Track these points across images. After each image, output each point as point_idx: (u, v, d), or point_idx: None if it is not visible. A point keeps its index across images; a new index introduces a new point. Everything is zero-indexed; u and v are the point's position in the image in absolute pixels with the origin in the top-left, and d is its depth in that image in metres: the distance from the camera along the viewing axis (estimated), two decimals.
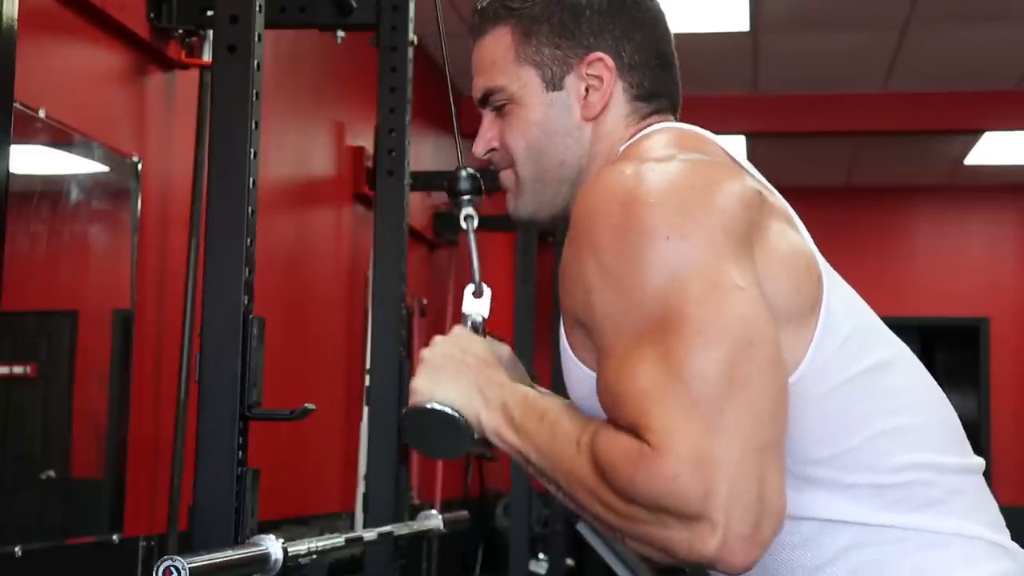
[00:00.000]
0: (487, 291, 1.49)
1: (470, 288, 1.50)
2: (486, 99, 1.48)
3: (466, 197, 1.54)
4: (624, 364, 1.18)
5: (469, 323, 1.46)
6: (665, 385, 1.14)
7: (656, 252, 1.19)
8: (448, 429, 1.34)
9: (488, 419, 1.32)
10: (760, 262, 1.23)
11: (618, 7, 1.45)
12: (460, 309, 1.51)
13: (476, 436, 1.34)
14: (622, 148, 1.42)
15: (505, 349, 1.45)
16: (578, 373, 1.32)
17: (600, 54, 1.43)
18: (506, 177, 1.49)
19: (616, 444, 1.16)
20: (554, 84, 1.44)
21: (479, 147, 1.49)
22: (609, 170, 1.31)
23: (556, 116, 1.44)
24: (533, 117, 1.44)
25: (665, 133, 1.42)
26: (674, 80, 1.50)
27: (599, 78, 1.44)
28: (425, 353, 1.39)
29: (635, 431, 1.15)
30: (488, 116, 1.49)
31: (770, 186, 1.38)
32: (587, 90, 1.44)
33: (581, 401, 1.35)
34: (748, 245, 1.23)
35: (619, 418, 1.18)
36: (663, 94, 1.48)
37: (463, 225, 1.54)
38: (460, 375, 1.36)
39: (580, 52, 1.44)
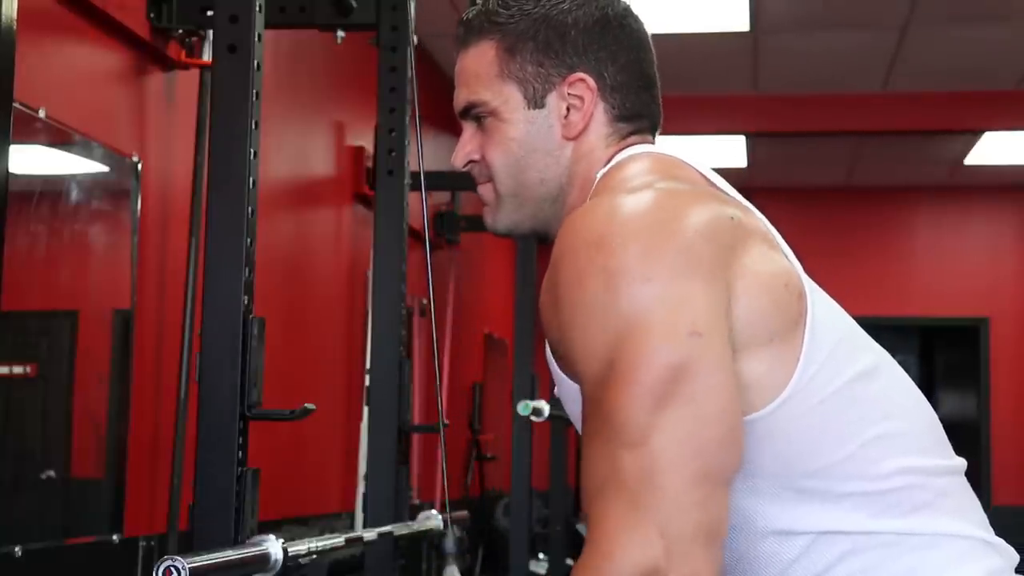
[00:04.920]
0: None
1: None
2: (467, 111, 1.48)
3: (451, 555, 1.56)
4: (584, 436, 1.23)
5: None
6: (605, 467, 1.19)
7: (617, 298, 1.21)
8: None
9: None
10: (736, 287, 1.25)
11: (603, 28, 1.45)
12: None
13: None
14: (599, 174, 1.43)
15: None
16: (567, 389, 1.34)
17: (582, 74, 1.44)
18: (485, 191, 1.49)
19: (577, 567, 1.21)
20: (536, 102, 1.44)
21: (458, 159, 1.50)
22: (583, 209, 1.32)
23: (537, 134, 1.45)
24: (514, 134, 1.45)
25: (641, 160, 1.42)
26: (655, 100, 1.50)
27: (580, 98, 1.44)
28: None
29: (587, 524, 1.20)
30: (468, 128, 1.49)
31: (749, 205, 1.38)
32: (568, 109, 1.44)
33: (575, 416, 1.36)
34: (717, 276, 1.24)
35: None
36: (644, 114, 1.48)
37: None
38: None
39: (563, 71, 1.44)
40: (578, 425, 1.37)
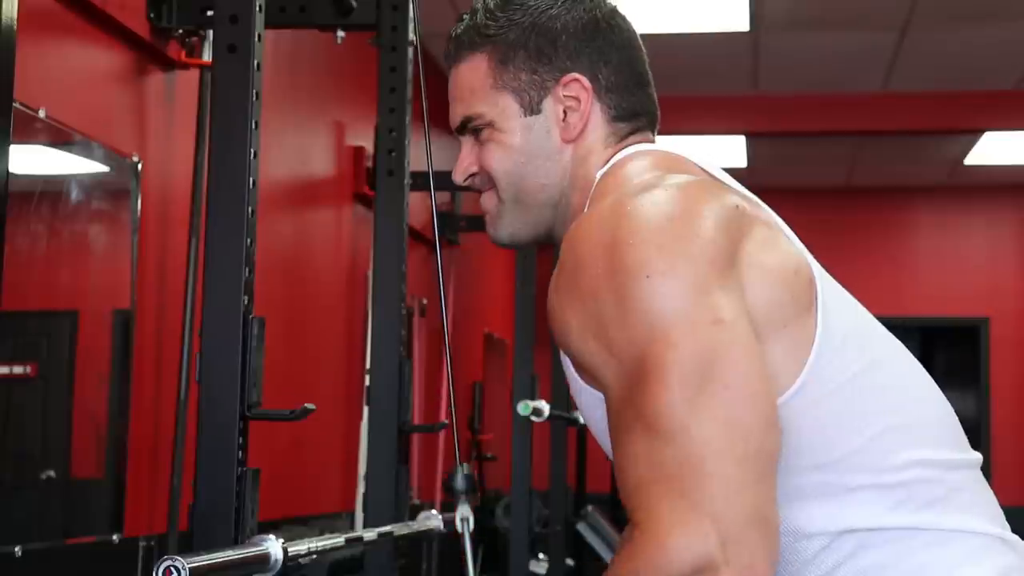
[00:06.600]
0: None
1: None
2: (464, 126, 1.49)
3: (462, 496, 1.56)
4: (616, 435, 1.22)
5: None
6: (646, 462, 1.18)
7: (638, 295, 1.21)
8: None
9: None
10: (748, 275, 1.25)
11: (593, 30, 1.46)
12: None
13: None
14: (599, 174, 1.43)
15: None
16: (587, 397, 1.34)
17: (576, 75, 1.44)
18: (487, 199, 1.50)
19: (620, 552, 1.20)
20: (532, 108, 1.45)
21: (458, 174, 1.50)
22: (590, 214, 1.33)
23: (535, 140, 1.45)
24: (513, 142, 1.45)
25: (641, 158, 1.42)
26: (651, 98, 1.51)
27: (576, 99, 1.45)
28: None
29: (631, 519, 1.19)
30: (467, 143, 1.49)
31: (753, 197, 1.38)
32: (565, 112, 1.45)
33: (595, 424, 1.35)
34: (731, 267, 1.24)
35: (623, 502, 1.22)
36: (641, 113, 1.49)
37: (458, 527, 1.56)
38: None
39: (557, 75, 1.45)
40: (597, 433, 1.37)
